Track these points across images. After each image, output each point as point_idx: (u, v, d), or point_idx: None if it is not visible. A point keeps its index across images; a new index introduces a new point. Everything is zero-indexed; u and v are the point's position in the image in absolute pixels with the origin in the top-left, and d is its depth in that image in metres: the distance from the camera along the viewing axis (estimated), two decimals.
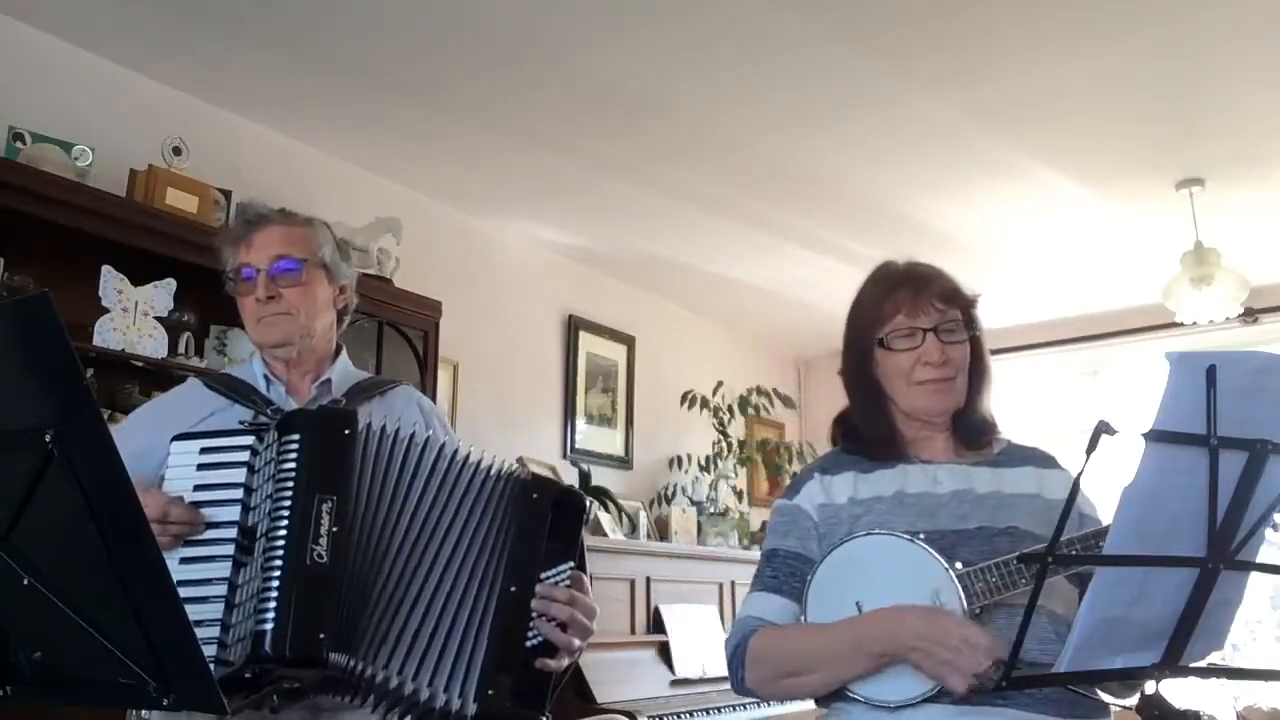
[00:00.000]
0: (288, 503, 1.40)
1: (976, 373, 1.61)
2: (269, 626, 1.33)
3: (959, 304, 1.59)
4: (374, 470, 1.47)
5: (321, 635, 1.35)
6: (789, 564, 1.55)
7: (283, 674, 1.35)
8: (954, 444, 1.62)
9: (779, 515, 1.62)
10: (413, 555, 1.47)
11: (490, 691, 1.44)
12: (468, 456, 1.53)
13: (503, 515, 1.52)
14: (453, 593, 1.47)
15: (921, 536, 1.45)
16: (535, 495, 1.53)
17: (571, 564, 1.54)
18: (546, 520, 1.53)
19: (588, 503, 1.62)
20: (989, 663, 1.31)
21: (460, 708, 1.44)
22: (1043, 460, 1.63)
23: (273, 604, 1.34)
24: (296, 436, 1.44)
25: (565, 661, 1.51)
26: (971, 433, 1.62)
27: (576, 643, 1.51)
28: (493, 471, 1.54)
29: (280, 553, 1.37)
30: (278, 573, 1.36)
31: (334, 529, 1.39)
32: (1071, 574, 1.50)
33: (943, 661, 1.34)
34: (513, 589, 1.49)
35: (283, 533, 1.38)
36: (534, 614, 1.49)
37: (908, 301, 1.57)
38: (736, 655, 1.53)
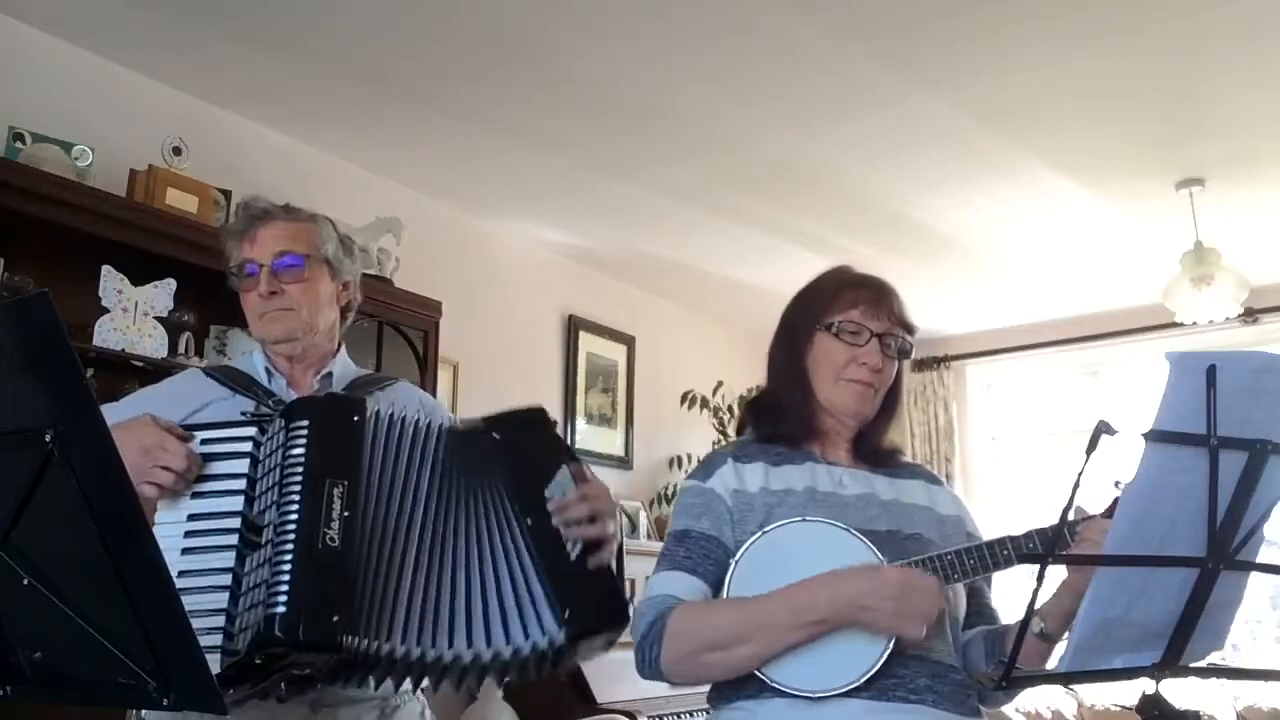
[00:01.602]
0: (297, 488, 1.39)
1: (890, 398, 1.64)
2: (281, 610, 1.31)
3: (905, 328, 1.62)
4: (384, 454, 1.47)
5: (335, 618, 1.33)
6: (703, 546, 1.52)
7: (294, 659, 1.33)
8: (853, 457, 1.64)
9: (692, 496, 1.58)
10: (431, 535, 1.47)
11: (567, 612, 1.44)
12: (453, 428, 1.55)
13: (488, 467, 1.53)
14: (482, 555, 1.48)
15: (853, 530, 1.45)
16: (496, 435, 1.55)
17: (562, 464, 1.53)
18: (514, 447, 1.54)
19: (540, 407, 1.61)
20: (942, 604, 1.34)
21: (551, 640, 1.44)
22: (929, 477, 1.69)
23: (284, 588, 1.32)
24: (305, 423, 1.43)
25: (613, 547, 1.51)
26: (873, 455, 1.64)
27: (610, 527, 1.51)
28: (467, 435, 1.55)
29: (291, 537, 1.36)
30: (289, 557, 1.35)
31: (345, 513, 1.38)
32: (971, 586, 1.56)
33: (895, 613, 1.33)
34: (529, 521, 1.49)
35: (293, 518, 1.37)
36: (561, 526, 1.49)
37: (868, 301, 1.59)
38: (652, 632, 1.47)
